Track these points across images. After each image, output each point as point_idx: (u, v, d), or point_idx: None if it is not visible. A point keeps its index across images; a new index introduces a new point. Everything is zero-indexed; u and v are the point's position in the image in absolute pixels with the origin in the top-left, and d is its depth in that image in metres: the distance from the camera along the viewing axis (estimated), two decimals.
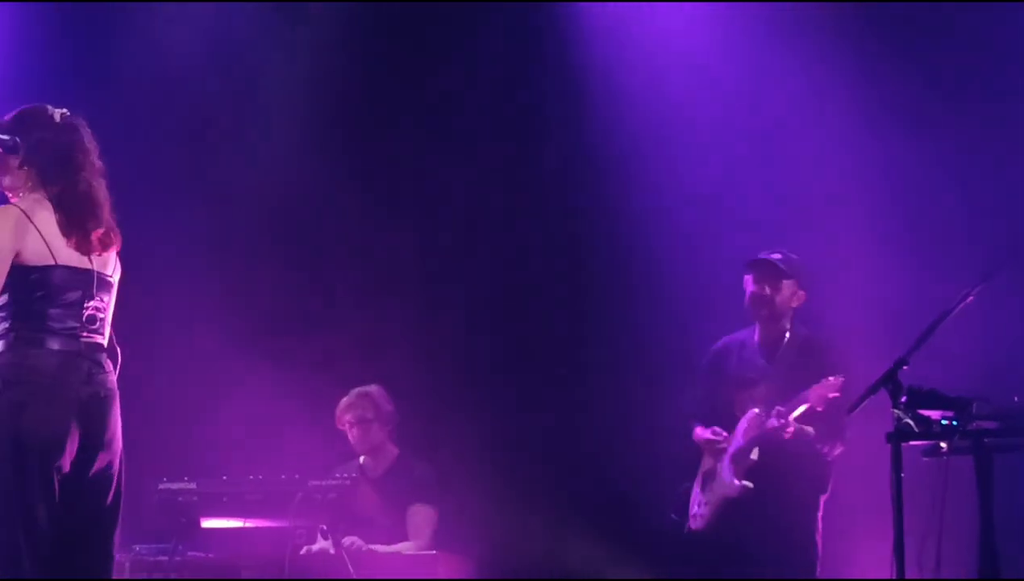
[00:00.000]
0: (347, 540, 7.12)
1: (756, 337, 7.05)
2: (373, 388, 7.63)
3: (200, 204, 8.41)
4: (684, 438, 7.13)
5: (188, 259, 8.19)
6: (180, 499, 6.93)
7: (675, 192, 8.13)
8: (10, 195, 4.80)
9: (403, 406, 7.69)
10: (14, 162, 4.77)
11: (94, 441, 4.70)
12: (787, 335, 6.98)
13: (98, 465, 4.72)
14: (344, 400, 7.62)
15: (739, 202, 7.98)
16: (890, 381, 5.18)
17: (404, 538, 7.39)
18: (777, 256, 6.94)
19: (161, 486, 6.93)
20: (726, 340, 7.19)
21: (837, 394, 6.60)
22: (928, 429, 5.19)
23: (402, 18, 8.55)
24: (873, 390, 5.24)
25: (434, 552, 7.18)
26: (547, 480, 8.22)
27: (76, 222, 4.71)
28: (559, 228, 8.54)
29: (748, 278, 6.98)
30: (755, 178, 8.00)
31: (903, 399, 5.16)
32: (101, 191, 4.83)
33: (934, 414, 5.21)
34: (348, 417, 7.60)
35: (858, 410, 5.38)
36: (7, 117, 4.83)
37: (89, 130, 4.89)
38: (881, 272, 7.61)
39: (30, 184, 4.77)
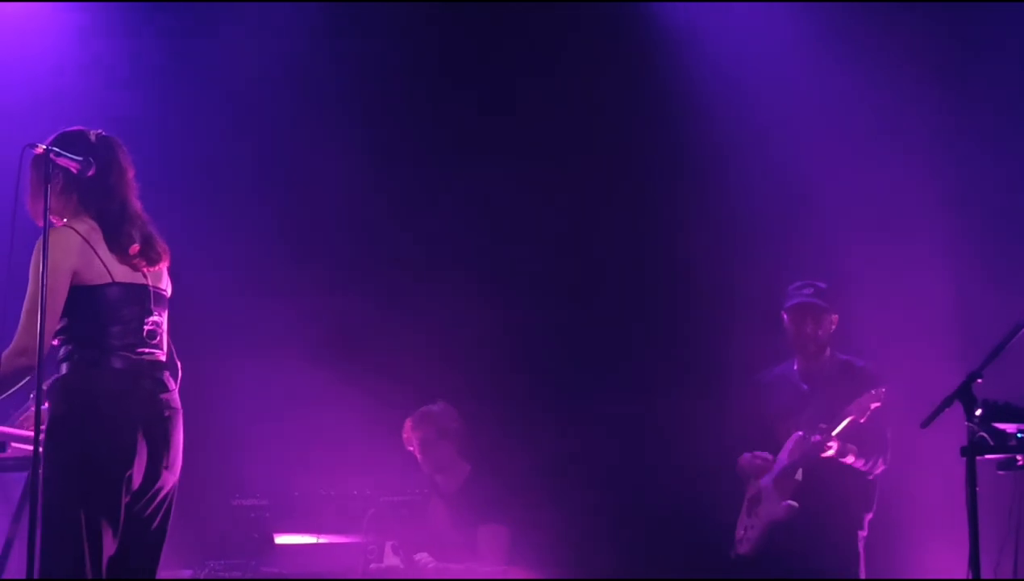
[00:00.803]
0: (417, 556, 7.10)
1: (796, 366, 7.06)
2: (436, 407, 7.52)
3: (269, 216, 8.46)
4: (727, 471, 7.12)
5: (258, 272, 8.23)
6: (253, 515, 6.96)
7: (745, 200, 8.10)
8: (55, 219, 4.81)
9: (477, 420, 7.66)
10: (57, 186, 4.79)
11: (158, 461, 4.70)
12: (827, 361, 6.98)
13: (158, 485, 4.73)
14: (408, 421, 7.51)
15: (811, 212, 7.93)
16: (964, 394, 5.14)
17: (475, 556, 7.30)
18: (809, 291, 6.94)
19: (234, 502, 6.98)
20: (766, 373, 7.19)
21: (879, 403, 6.59)
22: (1003, 442, 5.14)
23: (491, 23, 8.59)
24: (947, 404, 5.19)
25: (505, 568, 7.15)
26: (621, 498, 8.18)
27: (123, 240, 4.73)
28: (631, 239, 8.48)
29: (787, 318, 6.98)
30: (825, 187, 7.96)
31: (978, 412, 5.11)
32: (138, 206, 4.85)
33: (1009, 427, 5.16)
34: (414, 437, 7.48)
35: (932, 424, 5.33)
36: (47, 141, 4.82)
37: (124, 148, 4.92)
38: (952, 282, 7.55)
39: (73, 206, 4.80)
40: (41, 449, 4.55)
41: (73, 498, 4.52)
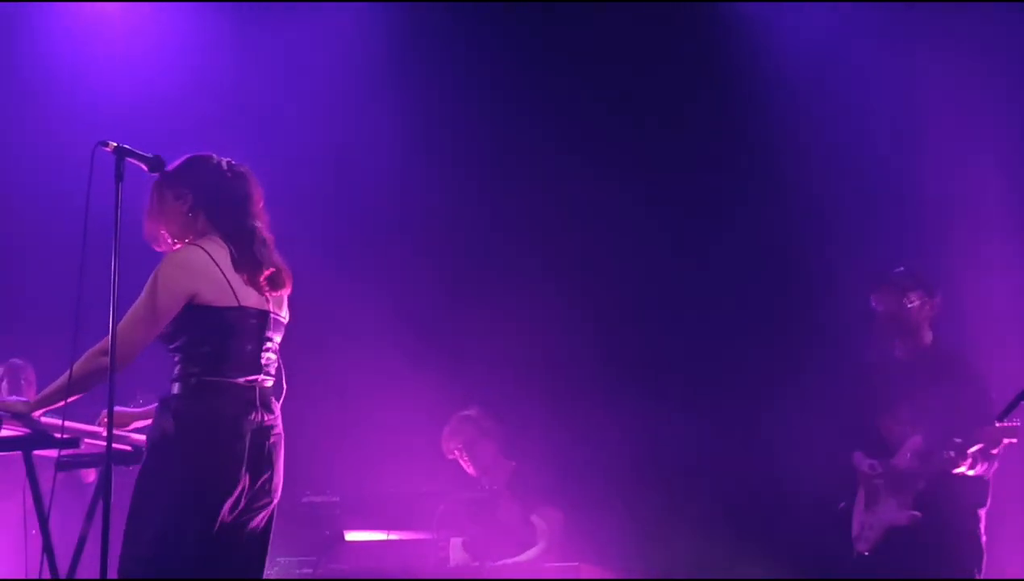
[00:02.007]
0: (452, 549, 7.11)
1: (897, 353, 6.91)
2: (471, 411, 7.61)
3: (346, 216, 8.51)
4: (829, 457, 7.03)
5: (330, 270, 8.26)
6: (324, 512, 7.00)
7: (828, 197, 8.05)
8: (176, 241, 4.81)
9: (529, 415, 7.69)
10: (183, 207, 4.79)
11: (260, 491, 4.66)
12: (927, 349, 6.83)
13: (257, 513, 4.68)
14: (446, 429, 7.59)
15: (892, 205, 7.87)
16: None
17: (534, 544, 7.35)
18: (900, 269, 6.83)
19: (305, 499, 7.01)
20: (867, 359, 7.06)
21: (1014, 440, 6.44)
22: None
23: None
24: (1021, 397, 5.12)
25: (576, 564, 7.15)
26: (685, 488, 8.14)
27: (253, 263, 4.69)
28: (720, 235, 8.43)
29: (873, 297, 6.86)
30: (905, 181, 7.90)
31: None
32: (267, 233, 4.81)
33: None
34: (454, 444, 7.57)
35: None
36: (176, 164, 4.83)
37: (253, 175, 4.89)
38: None
39: (199, 228, 4.79)
40: (114, 445, 4.58)
41: (172, 521, 4.50)
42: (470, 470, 7.56)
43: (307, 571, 6.95)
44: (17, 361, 8.08)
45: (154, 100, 8.52)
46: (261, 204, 4.85)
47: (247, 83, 8.66)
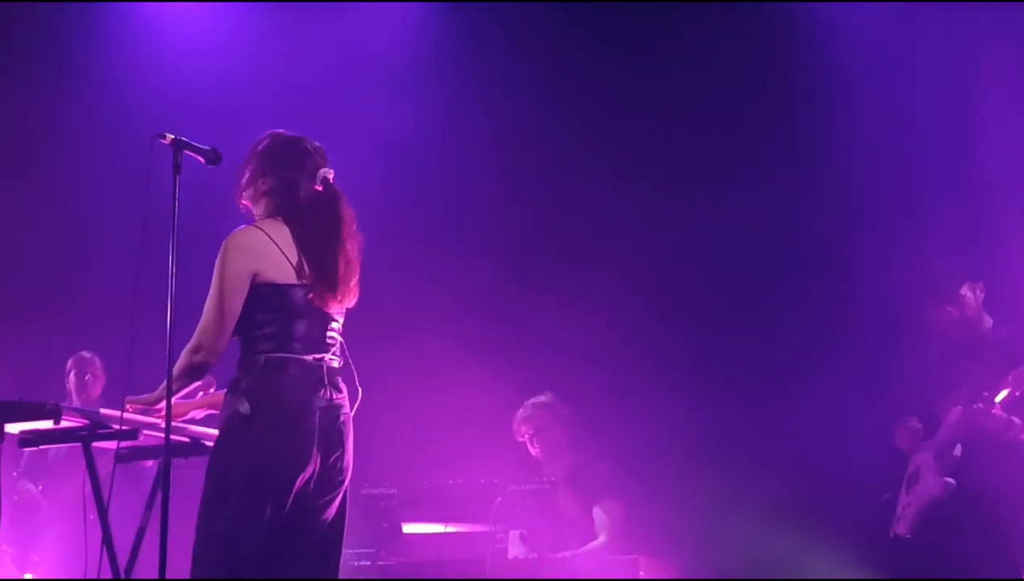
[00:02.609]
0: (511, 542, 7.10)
1: (960, 342, 6.86)
2: (545, 396, 7.66)
3: (408, 206, 8.54)
4: (885, 446, 6.97)
5: (390, 259, 8.29)
6: (382, 504, 6.99)
7: (886, 191, 7.98)
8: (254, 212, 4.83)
9: (594, 406, 7.69)
10: (264, 187, 4.79)
11: (331, 469, 4.67)
12: (986, 334, 6.78)
13: (332, 492, 4.70)
14: (520, 411, 7.65)
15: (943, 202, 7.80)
16: None
17: (594, 537, 7.34)
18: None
19: (363, 491, 7.00)
20: (927, 351, 7.01)
21: None
22: None
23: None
24: None
25: (634, 556, 7.12)
26: (745, 480, 8.07)
27: (316, 243, 4.70)
28: (757, 225, 8.38)
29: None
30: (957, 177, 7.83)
31: None
32: (342, 210, 4.80)
33: None
34: (525, 427, 7.62)
35: None
36: (257, 144, 4.84)
37: (325, 157, 4.85)
38: None
39: (272, 208, 4.78)
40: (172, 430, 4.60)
41: (242, 503, 4.50)
42: (537, 453, 7.61)
43: (365, 563, 6.95)
44: (85, 354, 8.16)
45: (210, 94, 8.58)
46: (332, 181, 4.83)
47: (301, 77, 8.69)
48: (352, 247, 4.80)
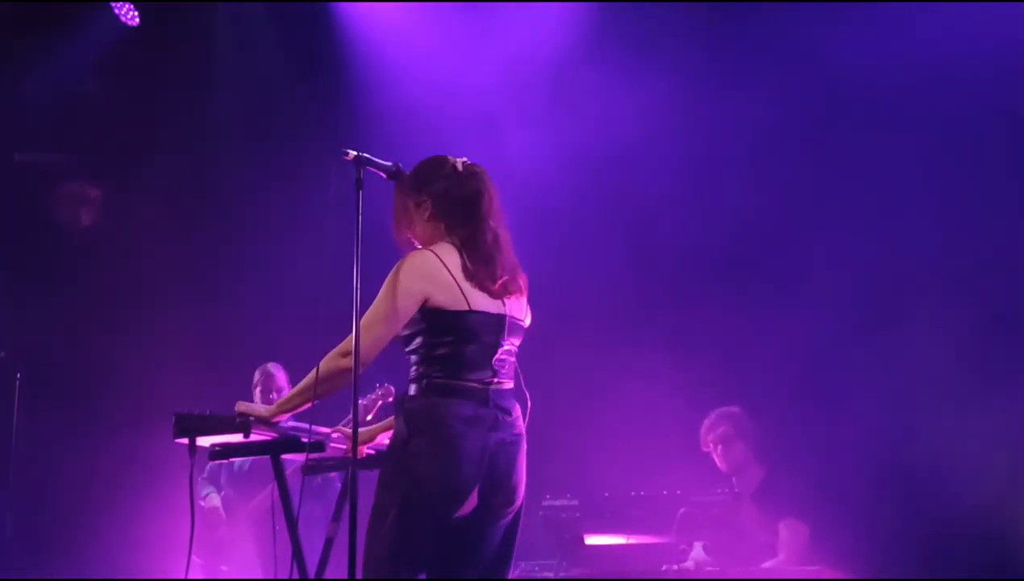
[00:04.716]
0: (694, 554, 7.03)
1: None
2: (734, 408, 7.58)
3: (595, 216, 8.56)
4: None
5: (573, 269, 8.30)
6: (564, 516, 7.00)
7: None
8: (420, 246, 4.82)
9: (772, 421, 7.58)
10: (424, 214, 4.81)
11: (499, 490, 4.68)
12: None
13: (502, 514, 4.71)
14: (706, 421, 7.58)
15: None
16: None
17: (776, 554, 7.23)
18: None
19: (545, 503, 7.02)
20: None
21: None
22: None
23: None
24: None
25: (816, 567, 7.01)
26: (925, 493, 7.88)
27: (484, 267, 4.70)
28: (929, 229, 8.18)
29: None
30: None
31: None
32: (504, 235, 4.80)
33: None
34: (711, 437, 7.55)
35: None
36: (414, 170, 4.86)
37: (488, 176, 4.88)
38: None
39: (441, 233, 4.79)
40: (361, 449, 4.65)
41: (403, 523, 4.53)
42: (721, 465, 7.54)
43: (547, 574, 6.96)
44: (270, 367, 8.20)
45: (391, 107, 8.66)
46: (495, 203, 4.83)
47: (472, 84, 8.72)
48: (522, 279, 4.82)
